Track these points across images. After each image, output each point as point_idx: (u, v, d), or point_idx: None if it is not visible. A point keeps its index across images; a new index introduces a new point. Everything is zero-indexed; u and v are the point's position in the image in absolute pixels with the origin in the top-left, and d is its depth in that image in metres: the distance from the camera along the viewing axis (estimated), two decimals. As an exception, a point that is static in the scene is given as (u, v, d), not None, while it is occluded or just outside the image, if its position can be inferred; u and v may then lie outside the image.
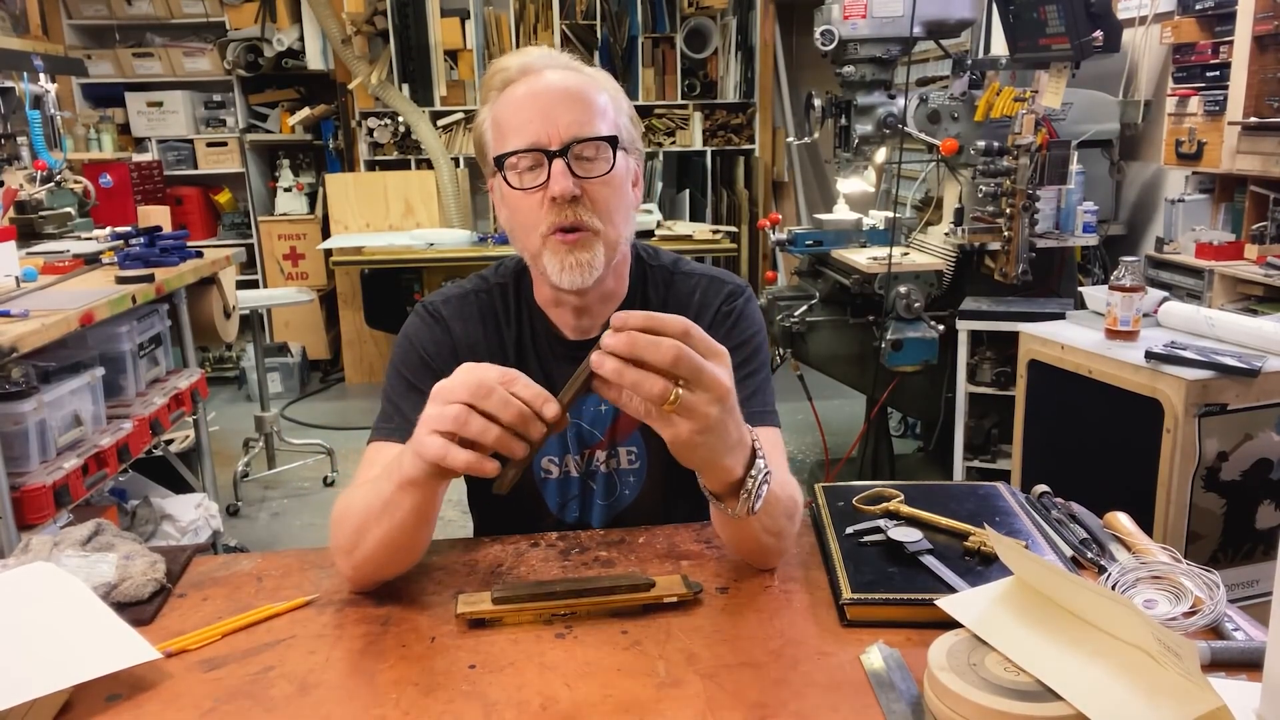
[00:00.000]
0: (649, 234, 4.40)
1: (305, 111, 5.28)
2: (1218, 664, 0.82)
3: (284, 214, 5.39)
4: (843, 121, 3.13)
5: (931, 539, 1.01)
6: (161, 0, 5.17)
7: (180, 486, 3.03)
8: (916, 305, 2.93)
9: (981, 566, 0.97)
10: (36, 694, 0.79)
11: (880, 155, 3.21)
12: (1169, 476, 1.91)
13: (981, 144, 2.86)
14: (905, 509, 1.09)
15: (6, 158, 3.34)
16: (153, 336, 2.72)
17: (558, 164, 1.05)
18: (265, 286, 5.19)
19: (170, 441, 3.07)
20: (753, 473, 0.91)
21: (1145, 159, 3.42)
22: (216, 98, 5.43)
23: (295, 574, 1.06)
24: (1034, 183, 2.78)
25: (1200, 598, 0.89)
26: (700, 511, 1.25)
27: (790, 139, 5.40)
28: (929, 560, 0.97)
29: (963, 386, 2.92)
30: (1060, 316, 2.40)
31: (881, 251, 3.03)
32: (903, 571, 0.97)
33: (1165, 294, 2.36)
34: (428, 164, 5.21)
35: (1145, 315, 2.13)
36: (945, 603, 0.86)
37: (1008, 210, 2.81)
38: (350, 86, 5.14)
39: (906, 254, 3.14)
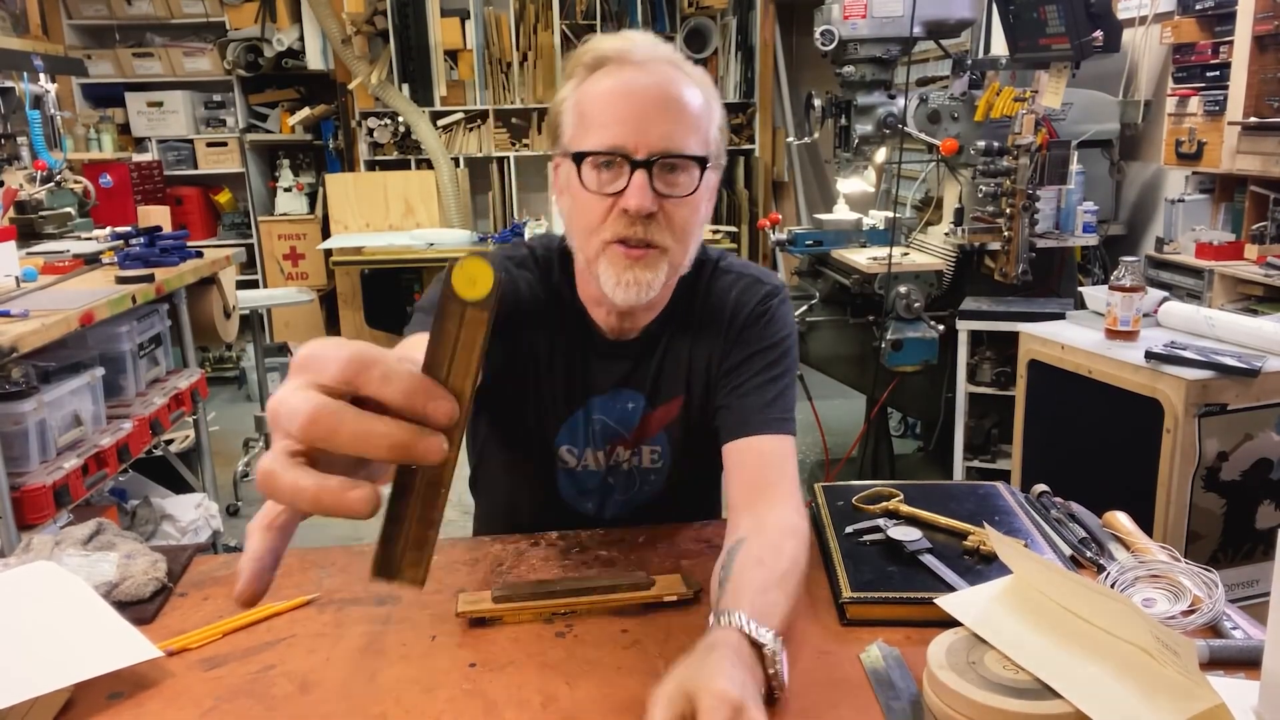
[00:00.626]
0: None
1: (305, 111, 5.28)
2: (1216, 662, 0.82)
3: (284, 214, 5.38)
4: (843, 121, 3.13)
5: (931, 538, 1.01)
6: (161, 0, 5.17)
7: (180, 486, 3.03)
8: (916, 305, 2.93)
9: (981, 565, 0.97)
10: (38, 692, 0.79)
11: (880, 155, 3.22)
12: (1169, 476, 1.91)
13: (981, 144, 2.86)
14: (905, 508, 1.09)
15: (6, 158, 3.34)
16: (153, 336, 2.72)
17: (639, 176, 0.97)
18: (265, 286, 5.19)
19: (170, 441, 3.07)
20: (770, 675, 0.79)
21: (1145, 159, 3.42)
22: (216, 98, 5.42)
23: (296, 573, 1.06)
24: (1034, 183, 2.78)
25: (1199, 596, 0.89)
26: (713, 506, 1.28)
27: (790, 139, 5.40)
28: (928, 559, 0.97)
29: (963, 386, 2.92)
30: (1060, 316, 2.40)
31: (881, 251, 3.03)
32: (902, 570, 0.97)
33: (1165, 294, 2.36)
34: (428, 164, 5.21)
35: (1145, 315, 2.14)
36: (944, 601, 0.86)
37: (1008, 210, 2.82)
38: (350, 86, 5.14)
39: (906, 254, 3.14)
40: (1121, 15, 3.16)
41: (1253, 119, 2.75)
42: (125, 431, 2.38)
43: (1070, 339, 2.16)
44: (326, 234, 5.20)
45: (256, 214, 5.41)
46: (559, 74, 5.11)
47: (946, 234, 3.11)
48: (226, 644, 0.92)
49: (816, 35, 2.98)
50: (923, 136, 3.05)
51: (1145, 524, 1.21)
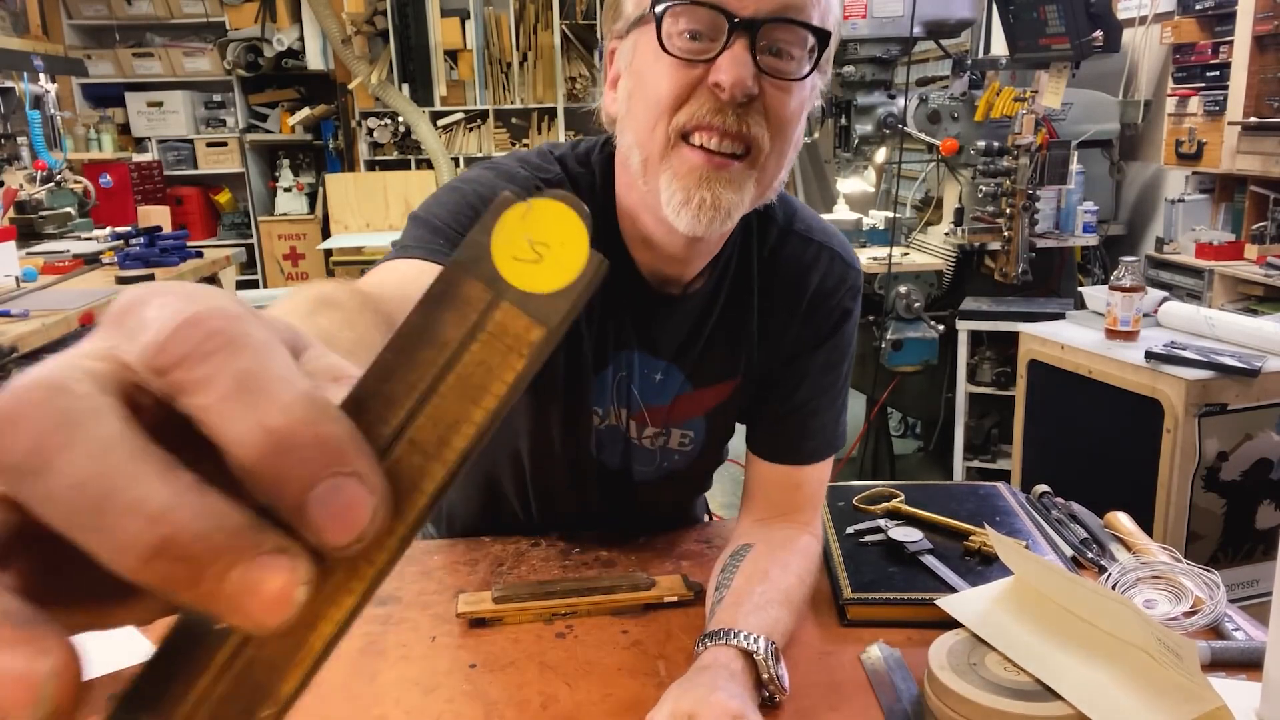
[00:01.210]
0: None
1: (305, 111, 5.28)
2: (1218, 664, 0.82)
3: (284, 214, 5.39)
4: (843, 121, 3.13)
5: (932, 539, 1.01)
6: (161, 0, 5.17)
7: (180, 486, 3.03)
8: (916, 305, 2.93)
9: (982, 566, 0.97)
10: (37, 693, 0.79)
11: (880, 155, 3.22)
12: (1169, 476, 1.91)
13: (981, 144, 2.86)
14: (906, 509, 1.09)
15: (6, 158, 3.35)
16: (153, 336, 2.72)
17: (740, 43, 0.73)
18: (265, 287, 5.19)
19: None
20: (765, 680, 0.78)
21: (1145, 159, 3.42)
22: (216, 98, 5.43)
23: (296, 574, 1.06)
24: (1034, 183, 2.78)
25: (1200, 598, 0.89)
26: (706, 480, 1.16)
27: (790, 139, 5.39)
28: (929, 560, 0.97)
29: (963, 386, 2.92)
30: (1060, 316, 2.40)
31: (881, 251, 3.03)
32: (903, 571, 0.97)
33: (1165, 294, 2.36)
34: (428, 164, 5.21)
35: (1145, 315, 2.14)
36: (945, 602, 0.86)
37: (1008, 210, 2.82)
38: (350, 86, 5.14)
39: (906, 254, 3.14)
40: (1121, 15, 3.16)
41: (1253, 119, 2.75)
42: (125, 432, 2.38)
43: (1070, 339, 2.16)
44: (326, 234, 5.20)
45: (256, 214, 5.41)
46: (559, 74, 5.11)
47: (946, 234, 3.11)
48: (226, 645, 0.92)
49: (817, 35, 2.98)
50: (923, 136, 3.05)
51: (1145, 524, 1.21)
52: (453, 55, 5.17)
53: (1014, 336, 2.46)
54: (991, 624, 0.80)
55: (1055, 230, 3.04)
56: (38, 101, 3.54)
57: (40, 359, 0.23)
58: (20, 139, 3.40)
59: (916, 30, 2.94)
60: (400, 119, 5.16)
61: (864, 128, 3.09)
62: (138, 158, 5.11)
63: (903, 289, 2.93)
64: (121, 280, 2.54)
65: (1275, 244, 2.75)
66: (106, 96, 5.27)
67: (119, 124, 5.22)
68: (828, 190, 5.64)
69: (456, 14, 5.07)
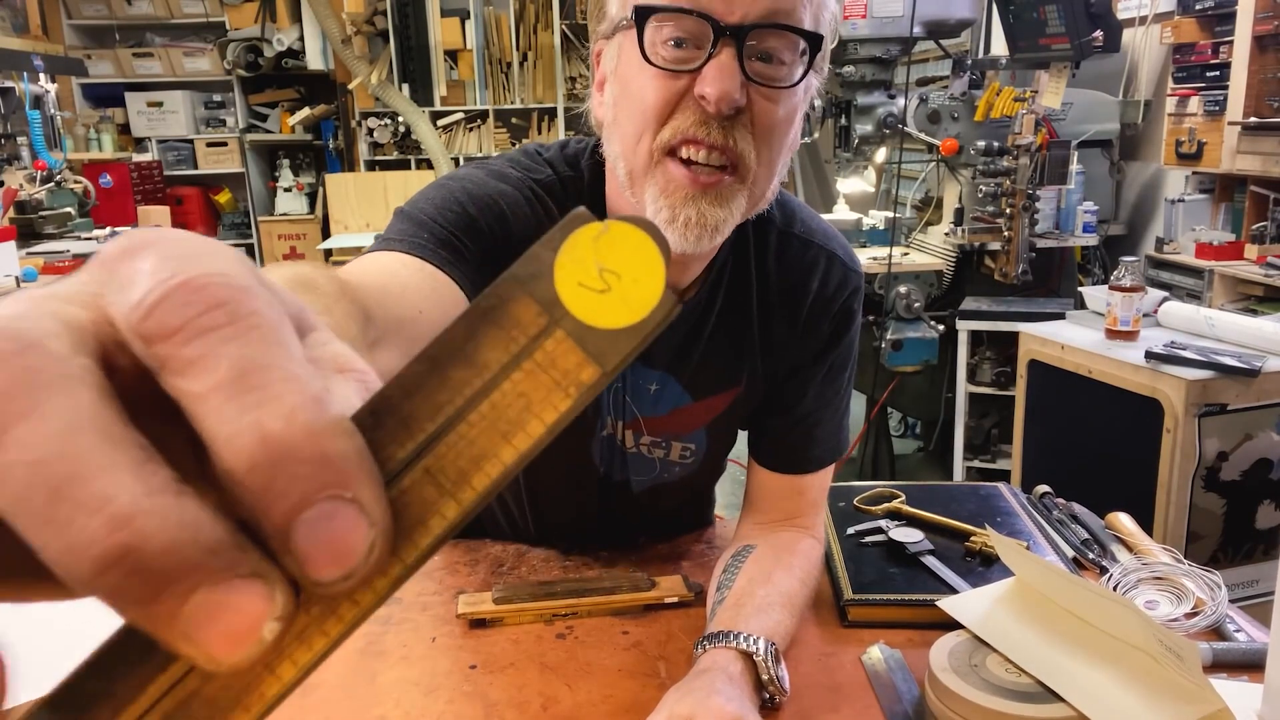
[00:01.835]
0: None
1: (305, 111, 5.28)
2: (1219, 665, 0.82)
3: (284, 214, 5.39)
4: (843, 121, 3.13)
5: (933, 540, 1.01)
6: (161, 0, 5.17)
7: (180, 486, 3.03)
8: (916, 305, 2.93)
9: (983, 567, 0.97)
10: (38, 692, 0.79)
11: (880, 155, 3.22)
12: (1169, 476, 1.91)
13: (981, 144, 2.86)
14: (906, 509, 1.09)
15: (6, 158, 3.35)
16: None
17: (727, 51, 0.69)
18: (265, 286, 5.19)
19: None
20: (765, 681, 0.77)
21: (1145, 159, 3.42)
22: (216, 98, 5.42)
23: (296, 574, 1.06)
24: (1034, 183, 2.78)
25: (1202, 599, 0.89)
26: (711, 489, 1.17)
27: (790, 139, 5.39)
28: (930, 561, 0.97)
29: (963, 386, 2.92)
30: (1060, 316, 2.40)
31: (881, 251, 3.03)
32: (904, 572, 0.97)
33: (1165, 294, 2.36)
34: (428, 164, 5.21)
35: (1145, 315, 2.14)
36: (946, 603, 0.86)
37: (1008, 210, 2.82)
38: (350, 86, 5.14)
39: (906, 254, 3.14)
40: (1121, 15, 3.16)
41: (1253, 119, 2.75)
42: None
43: (1070, 339, 2.16)
44: (326, 234, 5.20)
45: (256, 214, 5.41)
46: (559, 74, 5.11)
47: (946, 234, 3.10)
48: (227, 646, 0.92)
49: (817, 35, 2.98)
50: (923, 136, 3.05)
51: (1145, 524, 1.21)
52: (453, 55, 5.16)
53: (1014, 336, 2.46)
54: (992, 625, 0.80)
55: (1055, 230, 3.04)
56: (38, 101, 3.54)
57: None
58: (20, 139, 3.40)
59: (916, 30, 2.94)
60: (400, 119, 5.16)
61: (864, 128, 3.09)
62: (138, 158, 5.11)
63: (903, 289, 2.93)
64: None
65: (1275, 244, 2.75)
66: (106, 96, 5.27)
67: (119, 124, 5.22)
68: (828, 190, 5.64)
69: (456, 14, 5.07)
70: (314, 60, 5.16)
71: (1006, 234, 2.84)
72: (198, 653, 0.18)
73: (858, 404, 3.60)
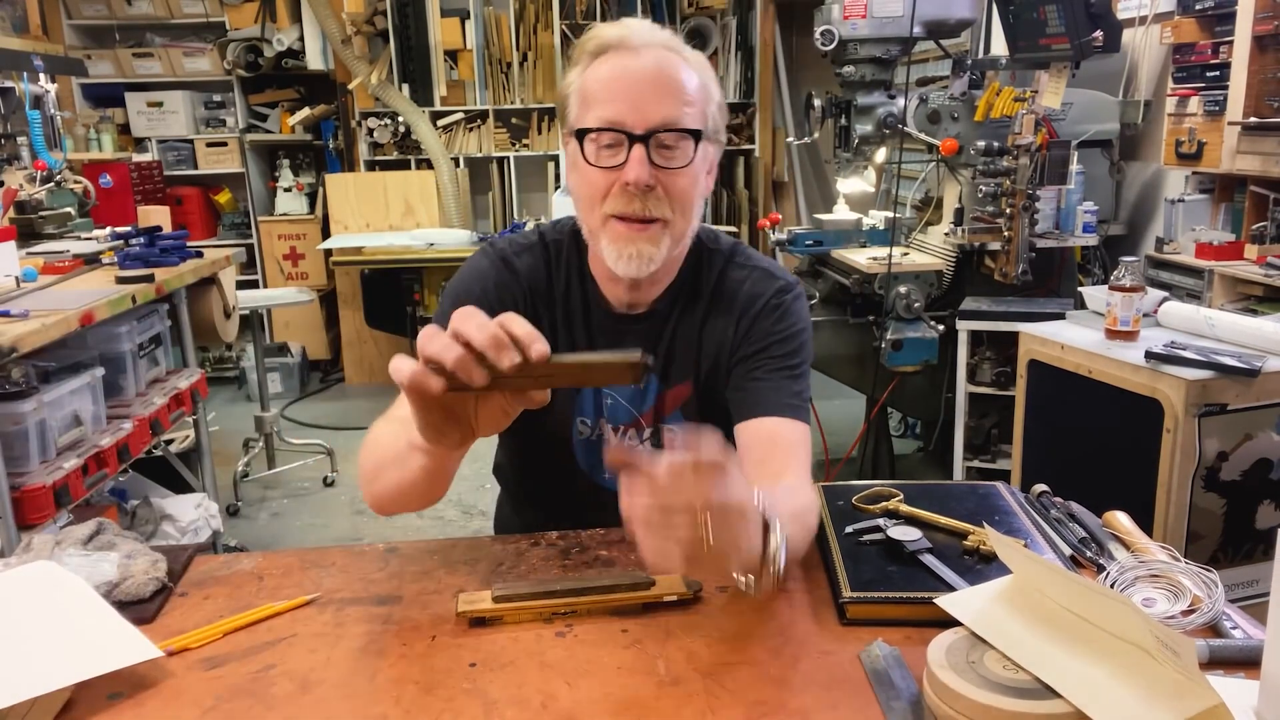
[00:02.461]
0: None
1: (305, 111, 5.28)
2: (1216, 662, 0.82)
3: (284, 214, 5.39)
4: (843, 121, 3.14)
5: (931, 538, 1.01)
6: (161, 0, 5.17)
7: (180, 486, 3.03)
8: (916, 305, 2.93)
9: (981, 565, 0.97)
10: (38, 692, 0.79)
11: (880, 155, 3.22)
12: (1169, 476, 1.91)
13: (981, 144, 2.86)
14: (905, 508, 1.09)
15: (6, 158, 3.35)
16: (153, 336, 2.73)
17: (637, 150, 1.03)
18: (265, 286, 5.19)
19: (170, 441, 3.07)
20: (771, 550, 0.83)
21: (1145, 159, 3.42)
22: (216, 98, 5.43)
23: (296, 573, 1.06)
24: (1034, 183, 2.78)
25: (1199, 596, 0.89)
26: None
27: (790, 139, 5.40)
28: (928, 559, 0.97)
29: (963, 386, 2.92)
30: (1060, 316, 2.40)
31: (881, 251, 3.03)
32: (902, 570, 0.97)
33: (1165, 294, 2.36)
34: (428, 164, 5.21)
35: (1145, 315, 2.14)
36: (944, 601, 0.86)
37: (1008, 210, 2.82)
38: (350, 86, 5.14)
39: (906, 254, 3.14)
40: (1121, 15, 3.16)
41: (1253, 119, 2.75)
42: (125, 431, 2.38)
43: (1070, 339, 2.16)
44: (326, 234, 5.20)
45: (256, 214, 5.41)
46: (559, 74, 5.11)
47: (946, 234, 3.11)
48: (226, 644, 0.92)
49: (816, 35, 2.98)
50: (923, 136, 3.05)
51: (1145, 524, 1.21)
52: (453, 55, 5.17)
53: (1014, 336, 2.46)
54: (990, 622, 0.80)
55: (1055, 230, 3.04)
56: (38, 101, 3.54)
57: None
58: (20, 139, 3.40)
59: (916, 30, 2.94)
60: (400, 119, 5.16)
61: (864, 128, 3.10)
62: (138, 158, 5.11)
63: (903, 289, 2.93)
64: (121, 280, 2.54)
65: (1275, 244, 2.75)
66: (106, 96, 5.27)
67: (119, 124, 5.22)
68: (828, 190, 5.65)
69: (456, 14, 5.07)
70: (314, 60, 5.16)
71: (1006, 234, 2.84)
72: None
73: (858, 404, 3.60)
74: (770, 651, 0.87)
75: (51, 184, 3.29)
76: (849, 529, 1.05)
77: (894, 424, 3.91)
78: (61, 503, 2.06)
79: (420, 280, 4.86)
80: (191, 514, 2.84)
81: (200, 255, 2.97)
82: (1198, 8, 2.98)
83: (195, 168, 5.36)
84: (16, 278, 2.48)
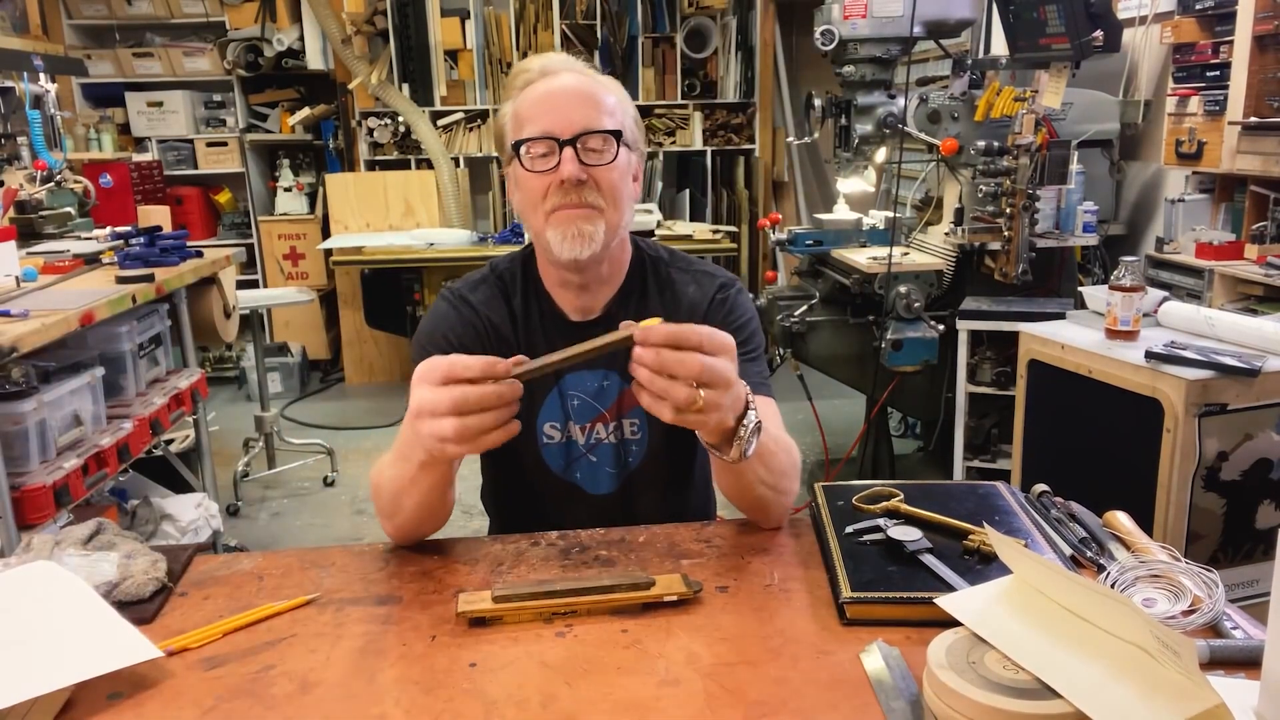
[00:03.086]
0: (649, 234, 4.40)
1: (305, 111, 5.28)
2: (1216, 662, 0.82)
3: (284, 214, 5.39)
4: (843, 121, 3.13)
5: (931, 538, 1.01)
6: (161, 0, 5.17)
7: (180, 486, 3.03)
8: (916, 305, 2.93)
9: (981, 565, 0.97)
10: (38, 692, 0.79)
11: (880, 155, 3.22)
12: (1169, 476, 1.91)
13: (981, 144, 2.86)
14: (905, 508, 1.09)
15: (6, 158, 3.34)
16: (153, 336, 2.72)
17: (568, 151, 1.16)
18: (265, 286, 5.19)
19: (170, 441, 3.07)
20: (745, 421, 1.00)
21: (1145, 159, 3.42)
22: (216, 98, 5.43)
23: (296, 573, 1.06)
24: (1034, 183, 2.78)
25: (1199, 596, 0.89)
26: (696, 465, 1.38)
27: (790, 139, 5.40)
28: (928, 559, 0.97)
29: (963, 386, 2.92)
30: (1060, 316, 2.40)
31: (881, 251, 3.03)
32: (902, 570, 0.97)
33: (1165, 294, 2.36)
34: (428, 164, 5.21)
35: (1145, 315, 2.14)
36: (944, 601, 0.86)
37: (1008, 210, 2.82)
38: (350, 86, 5.14)
39: (906, 254, 3.14)
40: (1121, 15, 3.16)
41: (1253, 119, 2.75)
42: (125, 431, 2.38)
43: (1070, 339, 2.16)
44: (326, 234, 5.20)
45: (256, 214, 5.41)
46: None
47: (946, 234, 3.11)
48: (226, 644, 0.92)
49: (816, 35, 2.98)
50: (923, 136, 3.05)
51: (1145, 524, 1.21)
52: (453, 55, 5.17)
53: (1014, 336, 2.46)
54: (991, 622, 0.80)
55: (1055, 230, 3.04)
56: (38, 101, 3.53)
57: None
58: (20, 139, 3.40)
59: (916, 30, 2.94)
60: (400, 119, 5.16)
61: (864, 128, 3.09)
62: (138, 158, 5.11)
63: (903, 289, 2.93)
64: (121, 280, 2.53)
65: (1275, 244, 2.75)
66: (106, 96, 5.27)
67: (119, 124, 5.22)
68: (828, 190, 5.65)
69: (456, 14, 5.07)
70: (314, 60, 5.16)
71: (1006, 234, 2.84)
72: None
73: (857, 404, 3.60)
74: (770, 651, 0.87)
75: (51, 184, 3.29)
76: (849, 529, 1.05)
77: (894, 424, 3.91)
78: (61, 503, 2.06)
79: (420, 280, 4.86)
80: (191, 514, 2.84)
81: (200, 255, 2.97)
82: (1198, 8, 2.98)
83: (195, 168, 5.36)
84: (16, 277, 2.48)
